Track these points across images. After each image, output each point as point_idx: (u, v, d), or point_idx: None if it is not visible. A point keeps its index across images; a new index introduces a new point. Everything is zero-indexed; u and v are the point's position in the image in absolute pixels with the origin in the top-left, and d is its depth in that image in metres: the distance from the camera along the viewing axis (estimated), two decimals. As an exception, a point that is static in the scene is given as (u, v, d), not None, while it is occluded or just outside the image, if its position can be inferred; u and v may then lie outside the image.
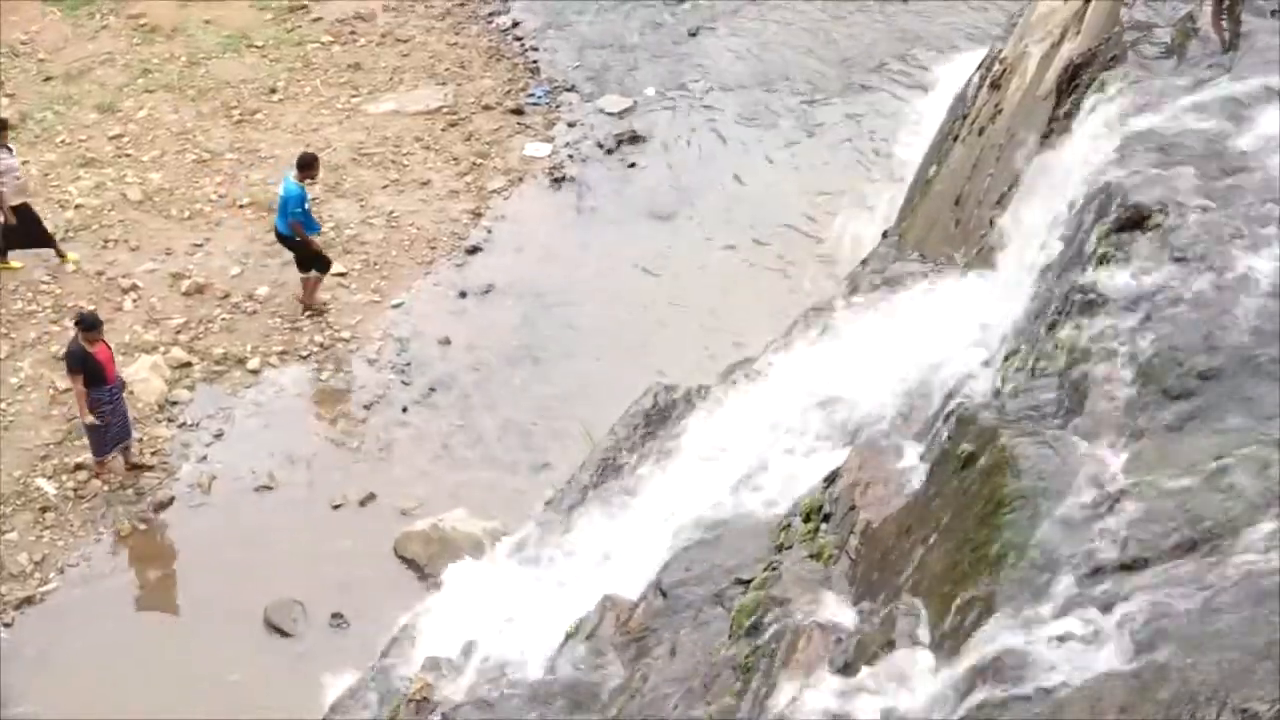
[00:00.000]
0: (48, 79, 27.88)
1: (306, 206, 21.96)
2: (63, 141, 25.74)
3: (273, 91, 27.84)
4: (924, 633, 7.57)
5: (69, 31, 29.34)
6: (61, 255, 23.05)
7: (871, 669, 7.60)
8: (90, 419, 18.92)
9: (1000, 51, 16.71)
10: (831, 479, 10.62)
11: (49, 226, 23.50)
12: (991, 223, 12.96)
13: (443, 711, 12.20)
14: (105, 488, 19.56)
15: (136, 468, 19.76)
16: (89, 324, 18.64)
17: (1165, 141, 10.06)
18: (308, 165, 22.09)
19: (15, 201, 22.41)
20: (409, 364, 21.84)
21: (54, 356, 21.30)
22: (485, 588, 15.18)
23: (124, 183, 24.67)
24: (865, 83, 28.08)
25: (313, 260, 22.29)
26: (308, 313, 22.55)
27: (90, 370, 18.59)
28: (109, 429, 19.13)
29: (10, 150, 22.30)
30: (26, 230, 22.74)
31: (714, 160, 26.37)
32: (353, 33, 29.87)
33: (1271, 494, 6.97)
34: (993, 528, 7.48)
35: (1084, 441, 7.83)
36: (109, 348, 19.11)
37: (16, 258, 22.95)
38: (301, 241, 22.02)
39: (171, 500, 19.57)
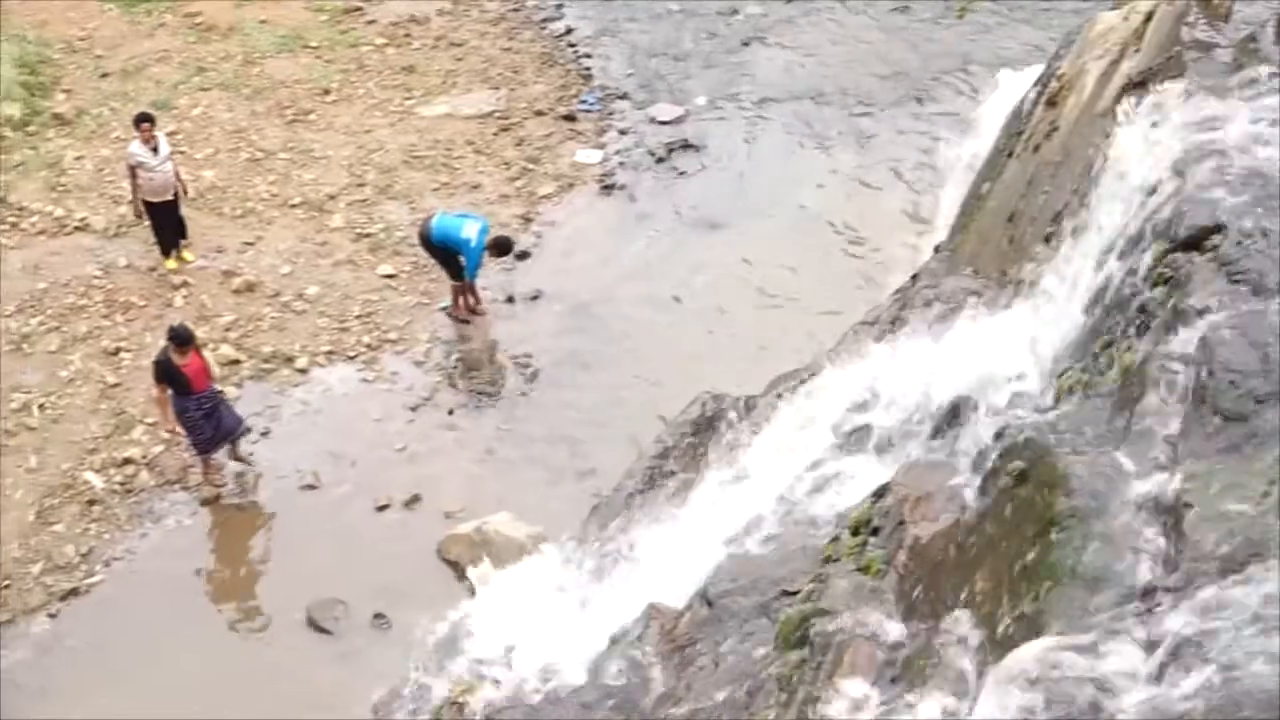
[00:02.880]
0: (104, 75, 28.08)
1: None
2: (118, 138, 25.87)
3: (326, 92, 27.97)
4: (971, 649, 7.54)
5: (126, 29, 29.55)
6: (167, 256, 23.28)
7: (917, 684, 7.58)
8: (174, 426, 19.18)
9: (1058, 68, 16.64)
10: (880, 493, 10.59)
11: (101, 222, 23.70)
12: (1046, 240, 12.91)
13: (485, 715, 12.23)
14: (152, 482, 19.66)
15: (239, 459, 19.89)
16: (180, 339, 18.65)
17: (1224, 162, 10.00)
18: (505, 249, 22.71)
19: (153, 199, 22.53)
20: (456, 367, 21.88)
21: (104, 351, 21.46)
22: (529, 592, 15.21)
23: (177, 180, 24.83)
24: (918, 96, 28.04)
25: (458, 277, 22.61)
26: (472, 317, 22.93)
27: (175, 382, 18.68)
28: (203, 432, 19.25)
29: (154, 147, 22.33)
30: (164, 227, 22.97)
31: (764, 170, 26.35)
32: (407, 35, 29.99)
33: (1325, 519, 6.93)
34: (1042, 546, 7.44)
35: (1136, 462, 7.78)
36: (203, 359, 19.12)
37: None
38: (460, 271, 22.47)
39: (218, 497, 19.65)
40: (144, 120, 22.45)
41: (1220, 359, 8.01)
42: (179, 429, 19.23)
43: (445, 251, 22.11)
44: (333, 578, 18.70)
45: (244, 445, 19.99)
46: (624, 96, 28.45)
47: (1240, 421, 7.69)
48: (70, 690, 17.22)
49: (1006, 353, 11.40)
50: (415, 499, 19.68)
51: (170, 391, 18.87)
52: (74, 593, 18.40)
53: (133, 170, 22.35)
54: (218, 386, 19.41)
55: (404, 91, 28.28)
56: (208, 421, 19.16)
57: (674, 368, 21.29)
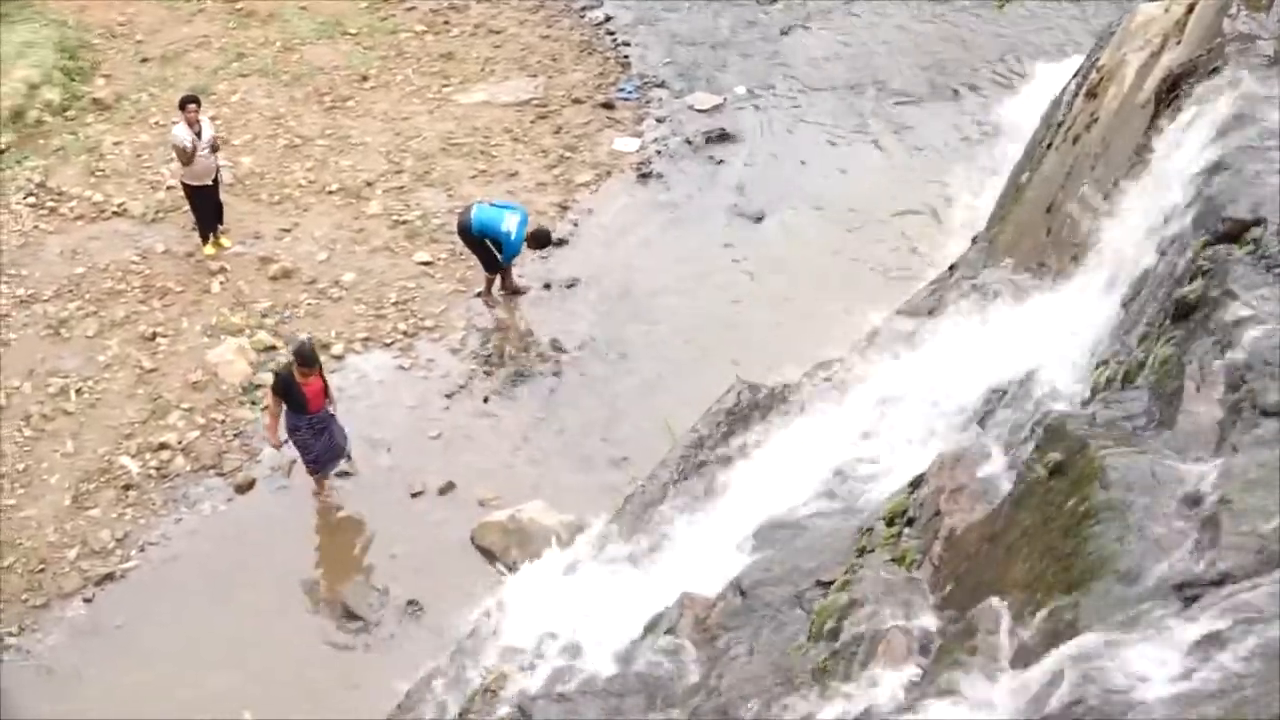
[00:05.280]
0: (144, 60, 28.21)
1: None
2: (157, 123, 26.01)
3: (365, 79, 28.03)
4: (1006, 641, 7.50)
5: (165, 14, 29.69)
6: (206, 241, 23.34)
7: (951, 676, 7.55)
8: (277, 441, 19.22)
9: (1097, 59, 16.57)
10: (916, 483, 10.56)
11: (139, 207, 23.77)
12: (1085, 231, 12.84)
13: (518, 702, 12.20)
14: (188, 468, 19.72)
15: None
16: (304, 359, 18.54)
17: (1265, 154, 9.94)
18: (543, 242, 22.82)
19: (194, 182, 22.58)
20: (491, 354, 21.88)
21: (141, 336, 21.54)
22: (563, 580, 15.20)
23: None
24: (957, 87, 27.98)
25: (494, 268, 22.67)
26: (510, 299, 23.12)
27: (291, 399, 18.64)
28: (311, 450, 19.19)
29: (198, 130, 22.33)
30: (204, 212, 23.03)
31: (802, 160, 26.31)
32: (446, 22, 30.05)
33: (1366, 513, 6.87)
34: (1079, 538, 7.40)
35: (1175, 455, 7.74)
36: (324, 382, 18.99)
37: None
38: (495, 262, 22.59)
39: (253, 483, 19.70)
40: (190, 102, 22.46)
41: (1259, 352, 7.96)
42: (279, 441, 19.23)
43: (483, 242, 22.14)
44: (367, 564, 18.78)
45: (360, 492, 19.91)
46: (662, 85, 28.44)
47: (1277, 415, 7.64)
48: (104, 674, 17.30)
49: (1044, 344, 11.34)
50: (450, 486, 19.71)
51: (284, 407, 18.86)
52: (109, 578, 18.47)
53: (179, 152, 22.35)
54: (331, 409, 19.29)
55: (442, 78, 28.31)
56: (317, 440, 19.10)
57: (710, 356, 21.26)
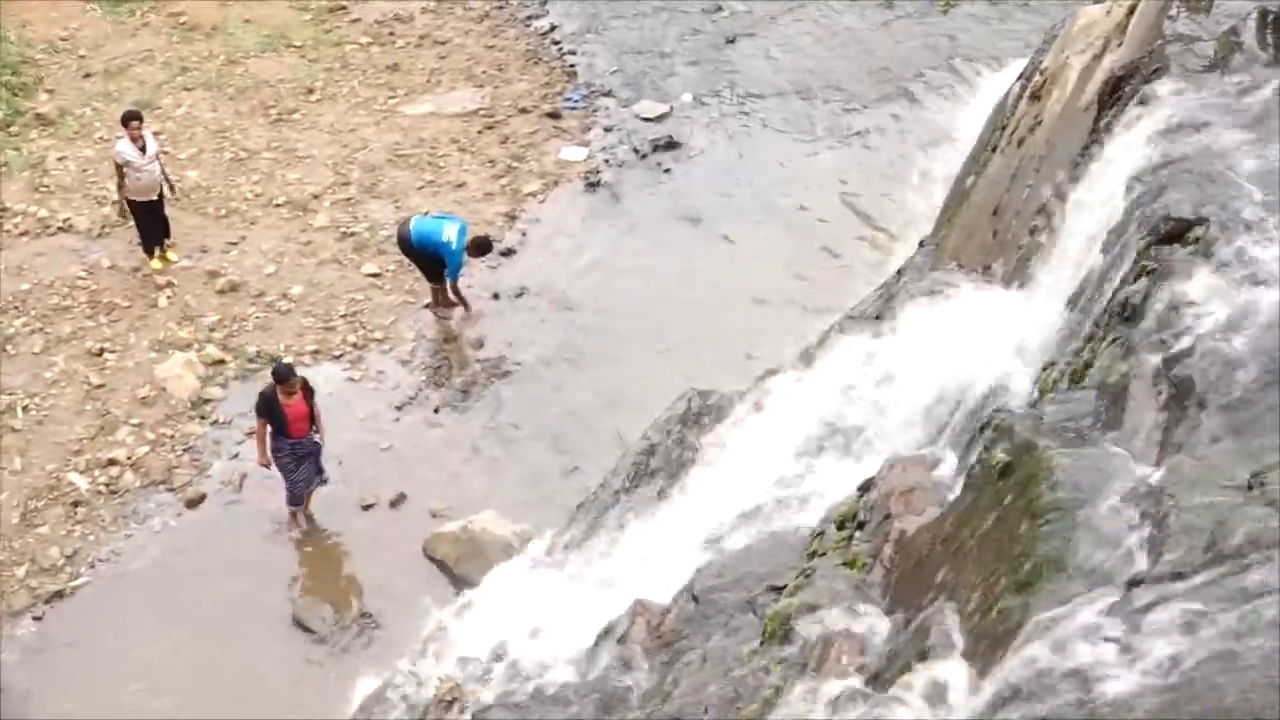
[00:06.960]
0: (87, 75, 28.03)
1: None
2: (101, 138, 25.84)
3: (310, 91, 27.92)
4: (957, 642, 7.53)
5: (109, 29, 29.50)
6: (151, 255, 23.23)
7: (904, 678, 7.57)
8: (265, 461, 18.91)
9: (1041, 62, 16.65)
10: (866, 487, 10.59)
11: (85, 222, 23.64)
12: (1031, 233, 12.92)
13: (472, 713, 12.20)
14: (137, 483, 19.61)
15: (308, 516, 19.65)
16: (280, 375, 18.36)
17: (1207, 155, 10.01)
18: (485, 249, 22.67)
19: (139, 198, 22.46)
20: (441, 365, 21.84)
21: (88, 352, 21.41)
22: (515, 590, 15.18)
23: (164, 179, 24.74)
24: (903, 92, 28.00)
25: (438, 279, 22.60)
26: (454, 312, 22.93)
27: (273, 419, 18.46)
28: (292, 472, 18.97)
29: (142, 146, 22.22)
30: (150, 227, 22.90)
31: (749, 167, 26.32)
32: (391, 34, 29.95)
33: (1310, 509, 6.92)
34: (1028, 538, 7.43)
35: (1121, 453, 7.79)
36: (308, 406, 18.66)
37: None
38: (439, 273, 22.49)
39: (203, 497, 19.59)
40: (133, 118, 22.36)
41: (1202, 351, 8.02)
42: (265, 460, 18.91)
43: (425, 255, 22.07)
44: (319, 577, 18.70)
45: (313, 506, 19.66)
46: (608, 94, 28.40)
47: (1224, 412, 7.70)
48: (56, 693, 17.18)
49: (991, 346, 11.40)
50: (401, 498, 19.65)
51: (269, 428, 18.67)
52: (59, 595, 18.34)
53: (119, 168, 22.27)
54: (317, 438, 19.01)
55: (388, 90, 28.23)
56: (299, 466, 18.88)
57: (658, 364, 21.26)
